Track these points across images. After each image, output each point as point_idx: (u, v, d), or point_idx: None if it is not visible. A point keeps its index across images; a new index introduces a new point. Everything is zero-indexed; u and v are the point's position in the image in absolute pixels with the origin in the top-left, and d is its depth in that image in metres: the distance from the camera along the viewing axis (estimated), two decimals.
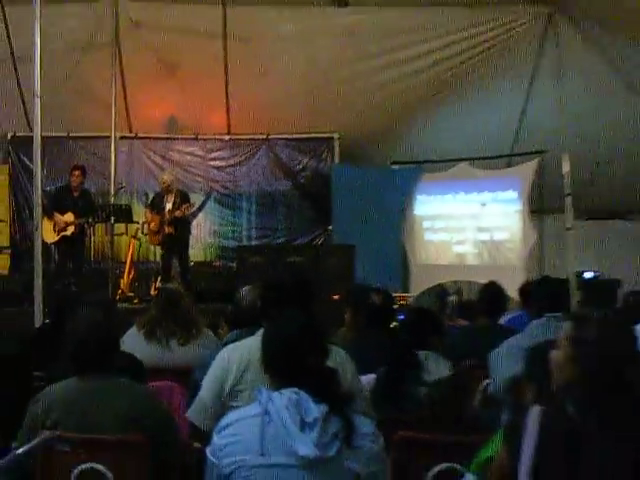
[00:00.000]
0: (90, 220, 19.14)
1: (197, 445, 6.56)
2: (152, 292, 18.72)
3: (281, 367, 5.22)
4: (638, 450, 4.54)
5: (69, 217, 18.70)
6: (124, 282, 20.04)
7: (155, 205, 19.55)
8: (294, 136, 22.74)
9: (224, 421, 5.18)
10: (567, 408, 4.72)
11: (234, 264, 20.09)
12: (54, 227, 18.55)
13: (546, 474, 4.58)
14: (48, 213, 18.12)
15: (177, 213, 18.91)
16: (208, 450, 5.16)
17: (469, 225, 22.26)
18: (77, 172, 19.13)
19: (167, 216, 18.95)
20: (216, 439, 5.08)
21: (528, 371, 5.99)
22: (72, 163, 20.47)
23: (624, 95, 20.16)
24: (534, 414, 4.70)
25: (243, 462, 4.92)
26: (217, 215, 22.74)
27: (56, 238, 18.62)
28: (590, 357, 4.86)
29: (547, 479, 4.60)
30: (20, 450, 5.03)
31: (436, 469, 6.09)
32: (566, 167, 19.29)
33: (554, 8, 19.57)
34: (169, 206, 19.07)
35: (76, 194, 19.11)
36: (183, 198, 19.37)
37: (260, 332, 5.89)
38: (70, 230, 18.75)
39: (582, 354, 4.90)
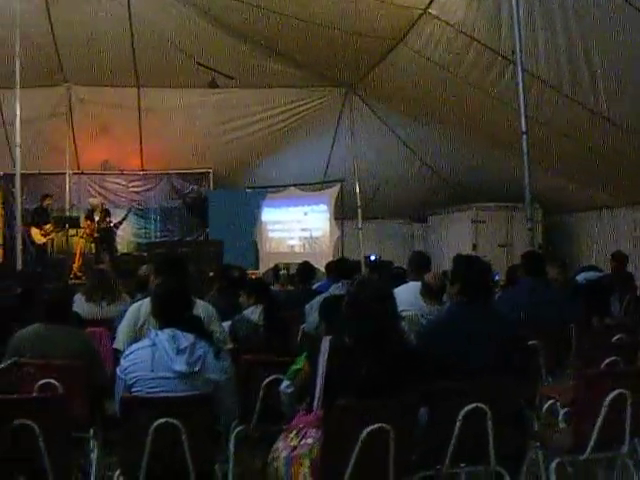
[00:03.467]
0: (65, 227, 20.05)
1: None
2: None
3: (163, 314, 5.27)
4: (382, 361, 4.64)
5: (50, 227, 19.43)
6: (75, 267, 19.85)
7: (88, 217, 19.85)
8: (184, 171, 22.70)
9: (128, 350, 5.27)
10: (344, 338, 4.80)
11: (145, 254, 19.93)
12: (41, 234, 19.27)
13: (332, 379, 4.65)
14: (37, 224, 18.97)
15: (105, 224, 19.53)
16: (118, 369, 5.19)
17: (296, 227, 22.42)
18: (49, 198, 20.02)
19: (96, 225, 19.46)
20: (122, 362, 5.17)
21: (321, 314, 6.07)
22: (41, 192, 20.56)
23: (396, 146, 20.43)
24: (325, 342, 4.76)
25: (140, 376, 5.02)
26: (135, 223, 22.56)
27: (44, 240, 19.34)
28: (348, 302, 4.98)
29: (332, 383, 4.66)
30: None
31: (268, 379, 6.12)
32: (357, 190, 19.54)
33: (348, 89, 19.77)
34: (97, 218, 19.57)
35: (47, 212, 19.66)
36: (106, 213, 19.85)
37: None
38: (52, 234, 19.57)
39: (346, 301, 5.01)
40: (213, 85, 18.49)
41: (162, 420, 4.81)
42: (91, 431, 6.19)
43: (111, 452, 6.34)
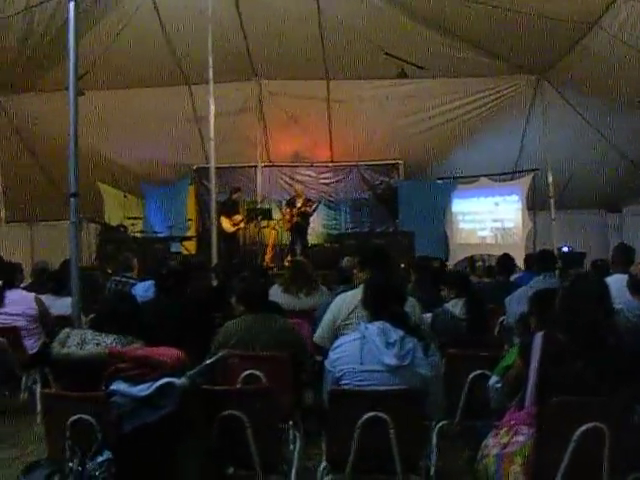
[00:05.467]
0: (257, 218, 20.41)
1: (318, 358, 6.68)
2: (285, 263, 18.84)
3: (374, 307, 5.27)
4: (598, 359, 4.50)
5: (238, 217, 19.55)
6: (267, 258, 20.22)
7: (290, 204, 20.01)
8: (374, 162, 22.72)
9: (337, 343, 5.29)
10: (557, 333, 4.67)
11: (336, 245, 20.08)
12: (231, 223, 19.39)
13: (545, 375, 4.54)
14: (226, 214, 19.17)
15: (305, 208, 19.68)
16: (326, 362, 5.27)
17: (488, 218, 22.02)
18: (239, 191, 20.11)
19: (297, 210, 19.57)
20: (331, 354, 5.20)
21: (533, 308, 5.92)
22: (233, 184, 21.00)
23: (589, 134, 19.90)
24: (538, 337, 4.65)
25: (349, 369, 5.05)
26: (325, 214, 22.85)
27: (233, 229, 19.43)
28: (563, 297, 4.84)
29: (546, 379, 4.55)
30: (208, 361, 5.09)
31: (473, 374, 6.08)
32: (550, 179, 19.15)
33: (540, 77, 19.37)
34: (299, 204, 19.63)
35: (236, 205, 19.84)
36: (307, 200, 19.99)
37: (362, 286, 5.96)
38: (242, 225, 19.79)
39: (561, 295, 4.86)
40: (402, 75, 18.42)
41: (371, 414, 4.84)
42: (290, 422, 6.27)
43: (311, 443, 6.43)
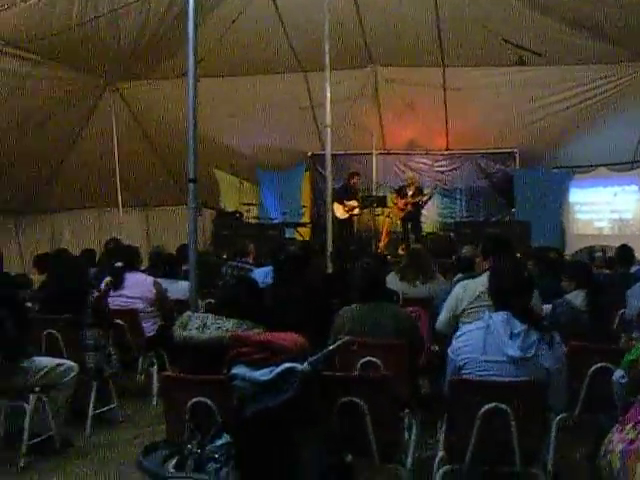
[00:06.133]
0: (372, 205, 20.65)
1: (435, 347, 6.67)
2: (399, 251, 18.85)
3: (501, 296, 5.21)
4: None
5: (354, 204, 19.69)
6: (381, 245, 20.24)
7: (400, 192, 20.03)
8: (489, 151, 22.45)
9: (460, 331, 5.25)
10: None
11: (452, 234, 19.96)
12: (344, 209, 19.49)
13: None
14: (340, 200, 19.22)
15: (417, 199, 19.69)
16: (449, 349, 5.23)
17: (605, 209, 21.60)
18: (357, 176, 20.30)
19: (409, 200, 19.56)
20: (454, 343, 5.15)
21: None
22: (347, 171, 21.00)
23: None
24: None
25: (472, 358, 5.00)
26: (440, 202, 22.71)
27: (346, 216, 19.57)
28: None
29: None
30: (330, 347, 5.08)
31: (595, 366, 5.98)
32: None
33: None
34: (410, 193, 19.65)
35: (354, 190, 19.96)
36: (419, 190, 19.89)
37: (484, 274, 5.96)
38: (356, 211, 19.86)
39: None
40: (520, 62, 18.19)
41: (492, 405, 4.80)
42: (407, 410, 6.20)
43: (426, 431, 6.40)
